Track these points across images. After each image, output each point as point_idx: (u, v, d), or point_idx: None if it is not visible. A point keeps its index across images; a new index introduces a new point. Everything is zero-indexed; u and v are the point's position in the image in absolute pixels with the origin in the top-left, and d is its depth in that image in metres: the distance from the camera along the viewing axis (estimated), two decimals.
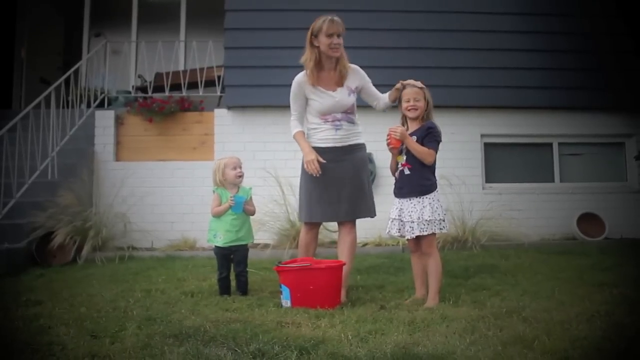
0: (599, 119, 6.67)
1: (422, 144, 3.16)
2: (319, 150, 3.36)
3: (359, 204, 3.41)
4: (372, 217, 3.48)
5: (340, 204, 3.38)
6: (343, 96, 3.39)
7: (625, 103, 6.59)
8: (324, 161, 3.31)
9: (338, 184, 3.38)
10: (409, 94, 3.24)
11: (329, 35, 3.28)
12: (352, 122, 3.43)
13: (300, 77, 3.44)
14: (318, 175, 3.29)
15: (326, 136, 3.39)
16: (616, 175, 6.77)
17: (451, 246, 5.46)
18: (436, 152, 3.20)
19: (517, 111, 6.59)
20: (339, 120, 3.38)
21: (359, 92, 3.51)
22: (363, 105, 3.58)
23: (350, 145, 3.42)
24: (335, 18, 3.32)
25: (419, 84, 3.27)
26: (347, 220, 3.43)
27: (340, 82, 3.40)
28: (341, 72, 3.38)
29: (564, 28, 6.67)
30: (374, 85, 3.55)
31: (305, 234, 3.50)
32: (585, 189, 6.56)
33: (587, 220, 6.17)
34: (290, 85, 3.46)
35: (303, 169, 3.42)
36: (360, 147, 3.49)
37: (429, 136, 3.18)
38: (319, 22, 3.33)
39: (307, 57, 3.38)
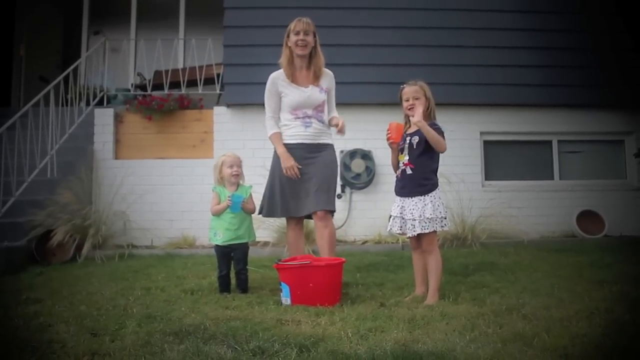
0: (599, 117, 6.68)
1: (426, 143, 3.13)
2: (288, 146, 3.50)
3: (322, 197, 3.46)
4: (332, 210, 3.49)
5: (308, 199, 3.46)
6: (314, 92, 3.49)
7: (625, 100, 6.60)
8: (300, 167, 3.44)
9: (304, 179, 3.47)
10: (407, 93, 3.22)
11: (296, 33, 3.43)
12: (322, 121, 3.53)
13: (274, 74, 3.57)
14: (297, 178, 3.44)
15: (296, 132, 3.50)
16: (616, 172, 6.78)
17: (451, 244, 5.46)
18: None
19: (517, 109, 6.59)
20: (309, 117, 3.48)
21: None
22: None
23: (318, 144, 3.51)
24: (304, 18, 3.46)
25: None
26: (321, 215, 3.45)
27: (314, 82, 3.50)
28: (315, 72, 3.48)
29: (563, 25, 6.67)
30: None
31: (290, 231, 3.63)
32: (585, 187, 6.57)
33: (587, 218, 6.18)
34: None
35: (272, 168, 3.58)
36: (329, 146, 3.59)
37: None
38: (291, 23, 3.48)
39: (282, 57, 3.53)
